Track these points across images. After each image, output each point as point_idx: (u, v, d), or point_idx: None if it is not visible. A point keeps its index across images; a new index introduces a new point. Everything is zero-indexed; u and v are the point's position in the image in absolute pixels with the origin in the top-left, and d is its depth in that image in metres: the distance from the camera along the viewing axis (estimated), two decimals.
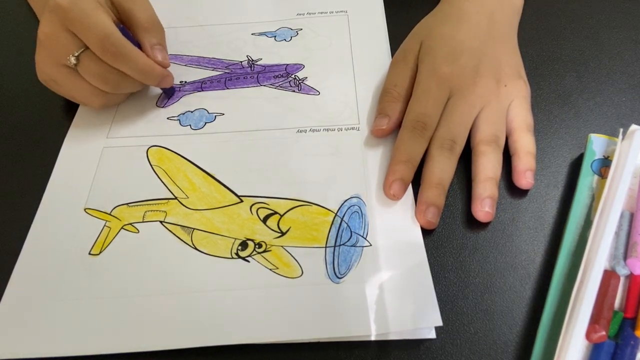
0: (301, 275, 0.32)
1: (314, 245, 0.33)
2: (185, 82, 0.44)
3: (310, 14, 0.49)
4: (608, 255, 0.30)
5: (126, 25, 0.40)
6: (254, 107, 0.42)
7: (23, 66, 0.46)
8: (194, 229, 0.35)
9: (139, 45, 0.40)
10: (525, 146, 0.36)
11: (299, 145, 0.39)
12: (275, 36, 0.47)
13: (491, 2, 0.42)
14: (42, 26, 0.36)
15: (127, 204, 0.36)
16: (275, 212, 0.35)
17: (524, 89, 0.39)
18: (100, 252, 0.34)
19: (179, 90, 0.43)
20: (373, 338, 0.30)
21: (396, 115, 0.38)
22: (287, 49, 0.46)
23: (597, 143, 0.36)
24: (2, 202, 0.37)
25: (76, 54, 0.36)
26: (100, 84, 0.38)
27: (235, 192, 0.36)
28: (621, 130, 0.35)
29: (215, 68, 0.45)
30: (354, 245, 0.33)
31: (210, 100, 0.43)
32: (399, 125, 0.38)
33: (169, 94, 0.43)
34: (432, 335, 0.30)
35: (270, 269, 0.32)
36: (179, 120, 0.41)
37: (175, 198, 0.36)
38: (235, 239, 0.34)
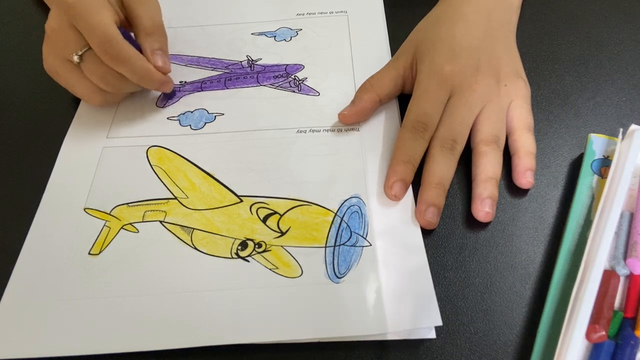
0: (301, 275, 0.32)
1: (314, 245, 0.33)
2: (185, 82, 0.44)
3: (310, 14, 0.49)
4: (608, 255, 0.30)
5: (131, 27, 0.40)
6: (254, 107, 0.42)
7: (23, 66, 0.47)
8: (194, 228, 0.35)
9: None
10: (525, 146, 0.36)
11: (299, 145, 0.39)
12: (275, 36, 0.47)
13: (488, 2, 0.41)
14: (50, 20, 0.37)
15: (127, 203, 0.36)
16: (275, 212, 0.35)
17: (524, 89, 0.39)
18: (100, 252, 0.34)
19: (179, 91, 0.43)
20: (373, 338, 0.30)
21: (362, 104, 0.39)
22: (287, 49, 0.46)
23: (597, 143, 0.36)
24: (2, 202, 0.37)
25: (80, 53, 0.37)
26: (101, 84, 0.38)
27: (235, 192, 0.36)
28: (621, 130, 0.35)
29: (215, 68, 0.45)
30: (353, 245, 0.33)
31: (210, 100, 0.43)
32: (363, 114, 0.39)
33: (169, 94, 0.43)
34: (432, 335, 0.30)
35: (270, 269, 0.32)
36: (179, 120, 0.41)
37: (175, 198, 0.36)
38: (235, 238, 0.34)
